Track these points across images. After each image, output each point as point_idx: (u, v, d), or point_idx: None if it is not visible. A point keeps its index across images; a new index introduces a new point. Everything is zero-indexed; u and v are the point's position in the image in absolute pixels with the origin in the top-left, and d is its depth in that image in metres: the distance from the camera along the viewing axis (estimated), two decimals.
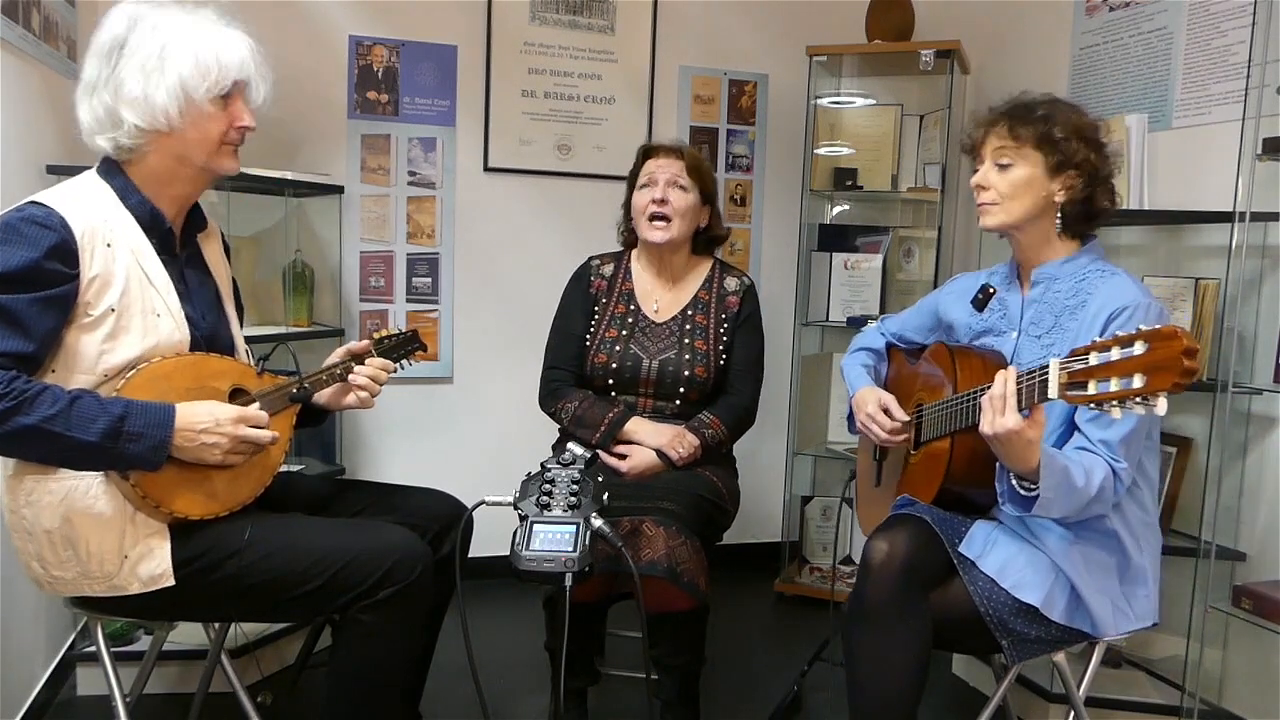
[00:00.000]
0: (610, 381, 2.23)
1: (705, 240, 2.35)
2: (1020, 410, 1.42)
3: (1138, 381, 1.22)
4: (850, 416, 1.99)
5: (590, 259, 2.39)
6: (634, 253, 2.38)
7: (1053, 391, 1.35)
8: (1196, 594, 2.12)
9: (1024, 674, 2.23)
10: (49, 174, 2.21)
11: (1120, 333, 1.27)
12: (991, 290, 1.85)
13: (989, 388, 1.49)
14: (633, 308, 2.30)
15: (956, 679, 2.61)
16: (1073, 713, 1.79)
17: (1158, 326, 1.23)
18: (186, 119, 1.53)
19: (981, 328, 1.85)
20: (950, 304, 1.95)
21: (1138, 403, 1.23)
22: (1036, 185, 1.69)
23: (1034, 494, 1.50)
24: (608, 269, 2.36)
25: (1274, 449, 2.16)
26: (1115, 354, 1.26)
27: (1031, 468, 1.47)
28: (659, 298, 2.31)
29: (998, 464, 1.56)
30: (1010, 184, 1.69)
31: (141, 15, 1.54)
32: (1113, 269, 1.71)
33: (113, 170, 1.57)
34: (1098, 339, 1.30)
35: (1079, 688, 1.74)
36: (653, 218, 2.22)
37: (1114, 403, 1.25)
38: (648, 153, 2.31)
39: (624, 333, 2.26)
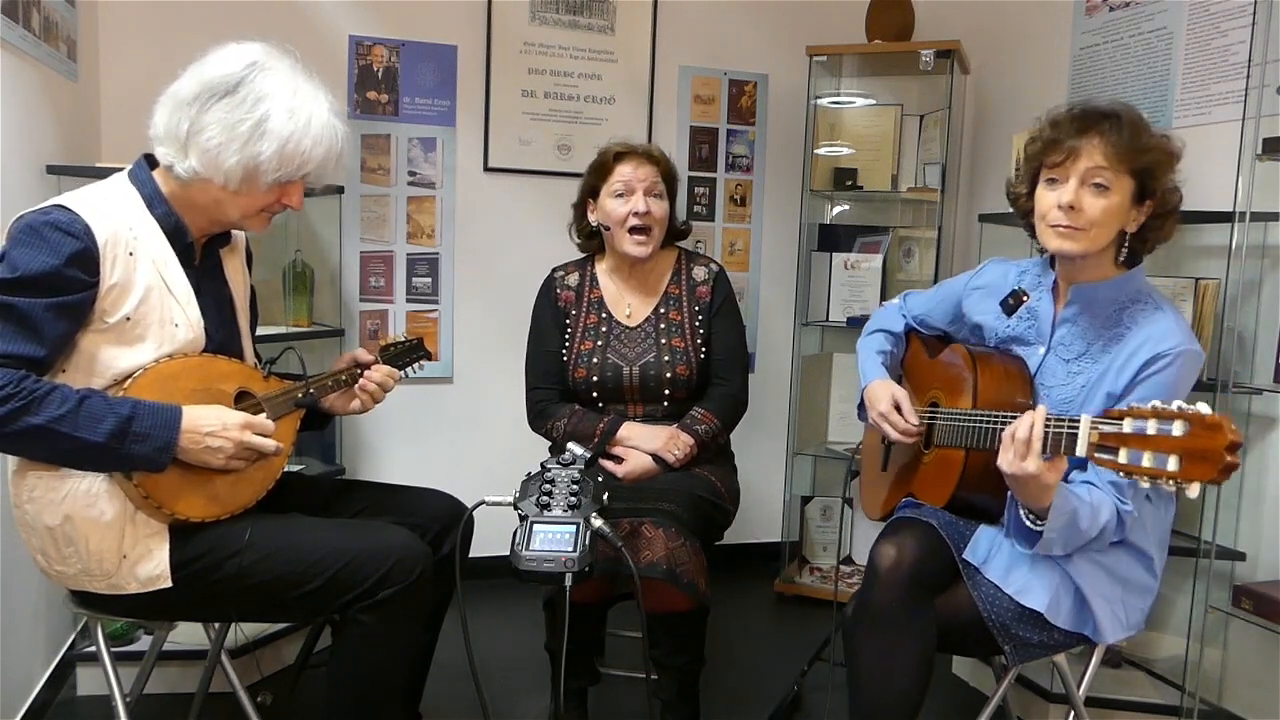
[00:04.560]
0: (595, 395, 2.21)
1: (669, 236, 2.29)
2: (1043, 454, 1.39)
3: (1172, 464, 1.19)
4: (861, 405, 1.95)
5: (554, 270, 2.33)
6: (598, 259, 2.33)
7: (1080, 449, 1.32)
8: (1196, 594, 2.12)
9: (1024, 674, 2.23)
10: (49, 174, 2.21)
11: (1160, 405, 1.22)
12: (1024, 297, 1.76)
13: (1011, 418, 1.45)
14: (604, 315, 2.26)
15: (956, 679, 2.61)
16: (1073, 713, 1.79)
17: (1202, 412, 1.18)
18: (242, 188, 1.53)
19: (1009, 334, 1.78)
20: (977, 301, 1.87)
21: (1168, 485, 1.20)
22: (1122, 214, 1.58)
23: (1039, 529, 1.49)
24: (573, 279, 2.30)
25: (1274, 449, 2.16)
26: (1152, 428, 1.22)
27: (1043, 507, 1.46)
28: (630, 301, 2.27)
29: (1009, 494, 1.54)
30: (1104, 211, 1.55)
31: (264, 69, 1.52)
32: (1157, 302, 1.62)
33: (145, 177, 1.57)
34: (1134, 405, 1.26)
35: (1079, 688, 1.74)
36: (633, 230, 2.16)
37: (1145, 478, 1.22)
38: (618, 157, 2.19)
39: (599, 343, 2.22)
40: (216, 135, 1.49)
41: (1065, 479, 1.53)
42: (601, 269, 2.32)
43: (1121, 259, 1.63)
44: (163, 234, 1.55)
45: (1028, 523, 1.51)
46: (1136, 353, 1.56)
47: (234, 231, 1.74)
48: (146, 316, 1.50)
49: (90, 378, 1.47)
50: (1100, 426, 1.30)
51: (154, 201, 1.55)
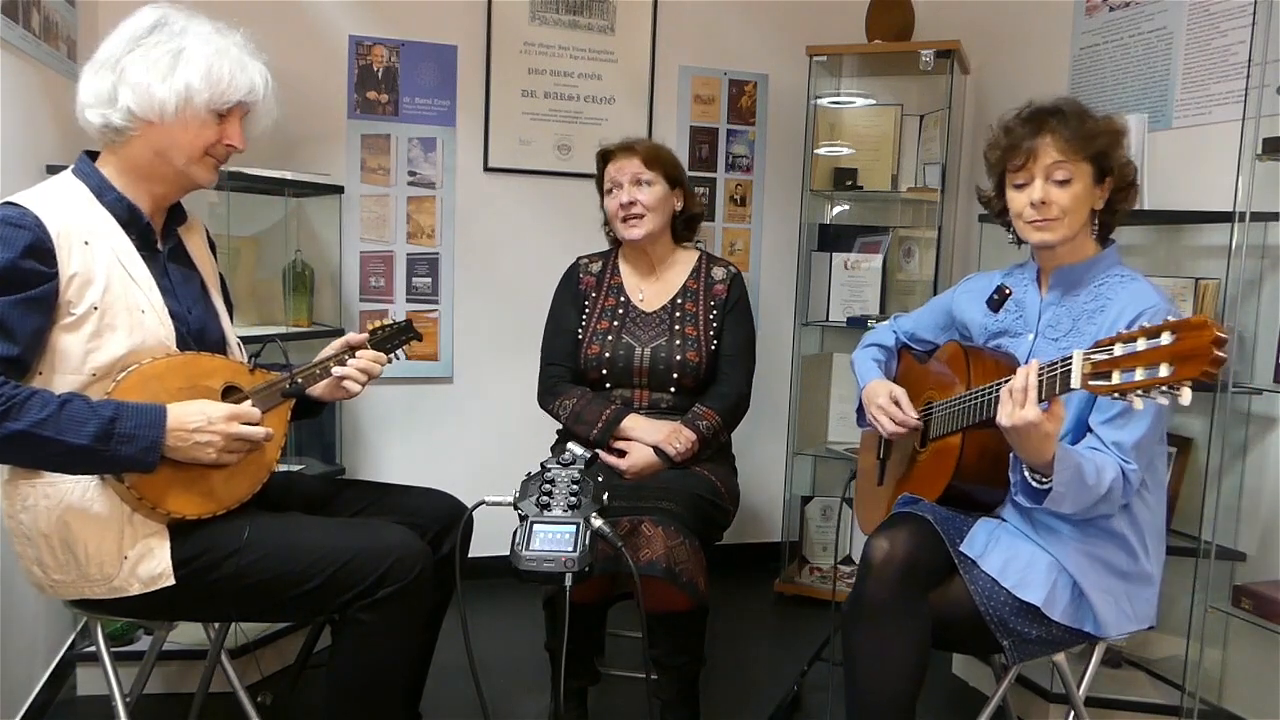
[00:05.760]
0: (604, 372, 2.24)
1: (685, 221, 2.37)
2: (1040, 403, 1.42)
3: (1164, 370, 1.23)
4: (860, 410, 1.99)
5: (579, 258, 2.42)
6: (621, 249, 2.41)
7: (1075, 382, 1.35)
8: (1196, 594, 2.12)
9: (1024, 674, 2.23)
10: (49, 174, 2.21)
11: (1147, 324, 1.27)
12: (1007, 291, 1.85)
13: (1006, 381, 1.49)
14: (622, 299, 2.33)
15: (956, 679, 2.61)
16: (1073, 713, 1.79)
17: (1186, 316, 1.23)
18: (180, 118, 1.55)
19: (997, 328, 1.85)
20: (964, 304, 1.95)
21: (1163, 392, 1.24)
22: (1088, 197, 1.69)
23: (1046, 487, 1.51)
24: (596, 266, 2.39)
25: (1274, 449, 2.16)
26: (1141, 345, 1.27)
27: (1046, 460, 1.48)
28: (644, 288, 2.33)
29: (1012, 455, 1.57)
30: (1073, 198, 1.67)
31: (172, 19, 1.57)
32: (1132, 274, 1.71)
33: (89, 169, 1.58)
34: (1123, 331, 1.32)
35: (1079, 688, 1.74)
36: (625, 218, 2.26)
37: (1138, 392, 1.26)
38: (605, 157, 2.33)
39: (615, 323, 2.29)
40: (141, 71, 1.52)
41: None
42: (623, 260, 2.40)
43: (1095, 235, 1.75)
44: (116, 223, 1.55)
45: (1033, 482, 1.54)
46: (1121, 314, 1.64)
47: (190, 213, 1.74)
48: (114, 305, 1.49)
49: (66, 375, 1.46)
50: (1092, 356, 1.34)
51: (102, 190, 1.56)
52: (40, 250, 1.42)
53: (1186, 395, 1.23)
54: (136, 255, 1.55)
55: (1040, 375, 1.43)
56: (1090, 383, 1.33)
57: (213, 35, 1.58)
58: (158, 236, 1.63)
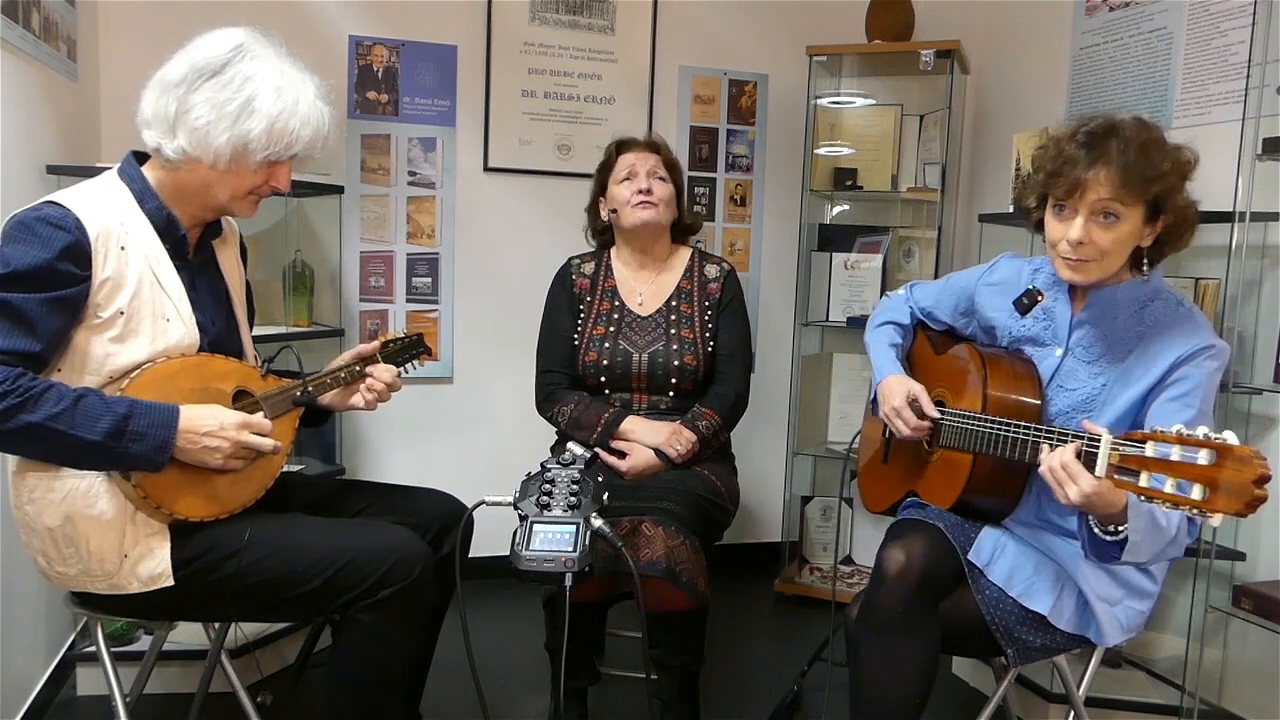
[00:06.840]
0: (603, 379, 2.24)
1: (680, 230, 2.38)
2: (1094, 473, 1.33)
3: (1197, 493, 1.15)
4: (874, 400, 1.89)
5: (570, 259, 2.40)
6: (613, 250, 2.39)
7: (1100, 470, 1.29)
8: (1196, 594, 2.12)
9: (1024, 674, 2.23)
10: (49, 174, 2.21)
11: (1186, 431, 1.18)
12: (1039, 297, 1.71)
13: (1020, 427, 1.45)
14: (617, 303, 2.31)
15: (956, 679, 2.61)
16: (1073, 713, 1.79)
17: (1230, 442, 1.14)
18: (231, 166, 1.54)
19: (1022, 334, 1.74)
20: (989, 298, 1.82)
21: (1191, 513, 1.16)
22: (1134, 238, 1.54)
23: (1119, 538, 1.41)
24: (588, 267, 2.37)
25: (1274, 449, 2.16)
26: (1176, 453, 1.18)
27: (1118, 510, 1.38)
28: (642, 291, 2.32)
29: (1079, 514, 1.48)
30: (1115, 240, 1.52)
31: (249, 52, 1.54)
32: (1178, 299, 1.61)
33: (134, 172, 1.58)
34: (1158, 429, 1.23)
35: (1079, 688, 1.74)
36: (641, 203, 2.24)
37: (1166, 504, 1.18)
38: (621, 147, 2.33)
39: (611, 329, 2.27)
40: (205, 114, 1.50)
41: None
42: (616, 259, 2.37)
43: (1130, 264, 1.61)
44: (153, 230, 1.55)
45: (1104, 536, 1.44)
46: (1163, 352, 1.54)
47: (225, 224, 1.74)
48: (140, 311, 1.50)
49: (85, 375, 1.47)
50: (1121, 448, 1.27)
51: (144, 197, 1.56)
52: (77, 253, 1.43)
53: (1216, 520, 1.15)
54: (169, 263, 1.56)
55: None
56: (1115, 476, 1.26)
57: (285, 86, 1.54)
58: (190, 248, 1.64)
